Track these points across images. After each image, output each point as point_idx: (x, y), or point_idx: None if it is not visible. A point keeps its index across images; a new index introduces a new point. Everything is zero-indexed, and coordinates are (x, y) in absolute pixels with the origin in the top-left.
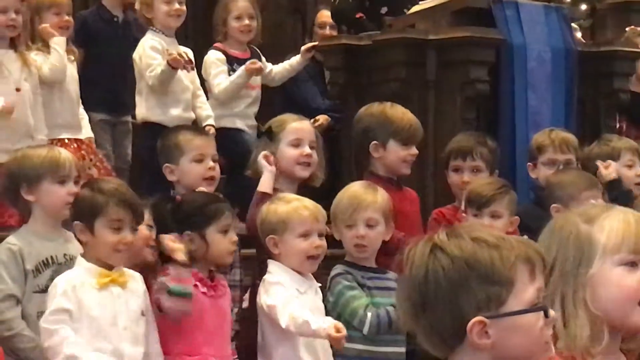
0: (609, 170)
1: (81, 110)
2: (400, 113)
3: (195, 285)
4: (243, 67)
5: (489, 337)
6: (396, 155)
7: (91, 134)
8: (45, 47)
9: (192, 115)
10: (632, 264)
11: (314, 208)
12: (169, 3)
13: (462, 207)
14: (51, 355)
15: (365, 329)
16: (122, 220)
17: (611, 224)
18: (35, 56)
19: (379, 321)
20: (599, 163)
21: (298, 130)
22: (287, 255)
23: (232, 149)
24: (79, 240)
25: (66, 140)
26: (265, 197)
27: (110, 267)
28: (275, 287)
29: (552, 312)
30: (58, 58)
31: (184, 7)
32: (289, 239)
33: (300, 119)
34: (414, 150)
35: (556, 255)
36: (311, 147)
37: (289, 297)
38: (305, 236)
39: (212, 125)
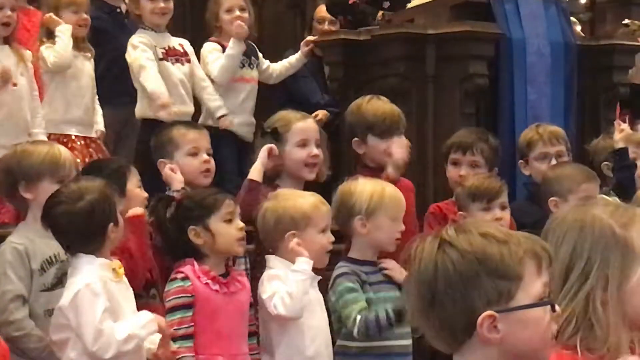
0: (619, 136)
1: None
2: (375, 107)
3: (207, 284)
4: (232, 38)
5: (498, 331)
6: (377, 149)
7: (103, 128)
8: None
9: (188, 108)
10: None
11: (326, 204)
12: (153, 1)
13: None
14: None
15: (355, 332)
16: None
17: None
18: (45, 50)
19: (367, 325)
20: (616, 124)
21: (304, 131)
22: (307, 250)
23: None
24: (101, 238)
25: (73, 137)
26: (254, 184)
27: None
28: (274, 281)
29: (557, 307)
30: (62, 45)
31: (170, 5)
32: (311, 234)
33: (304, 117)
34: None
35: (590, 256)
36: (316, 146)
37: (283, 287)
38: (324, 231)
39: (225, 115)
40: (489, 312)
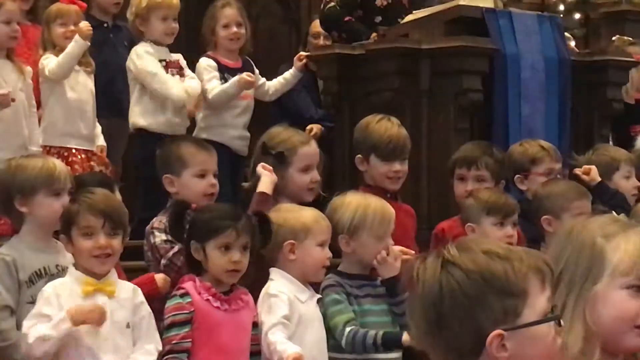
0: (591, 175)
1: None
2: (383, 128)
3: (207, 300)
4: (236, 77)
5: (506, 349)
6: (377, 170)
7: (103, 143)
8: (58, 52)
9: (181, 120)
10: (637, 289)
11: (327, 219)
12: (165, 20)
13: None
14: (29, 353)
15: (342, 343)
16: (92, 227)
17: (626, 246)
18: (44, 60)
19: (354, 341)
20: (576, 171)
21: (308, 156)
22: (303, 261)
23: None
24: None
25: (73, 150)
26: (265, 197)
27: (100, 276)
28: (272, 300)
29: (562, 322)
30: (69, 50)
31: (177, 25)
32: (309, 246)
33: (307, 140)
34: (395, 167)
35: (567, 261)
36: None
37: (282, 317)
38: (322, 245)
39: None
40: (497, 331)
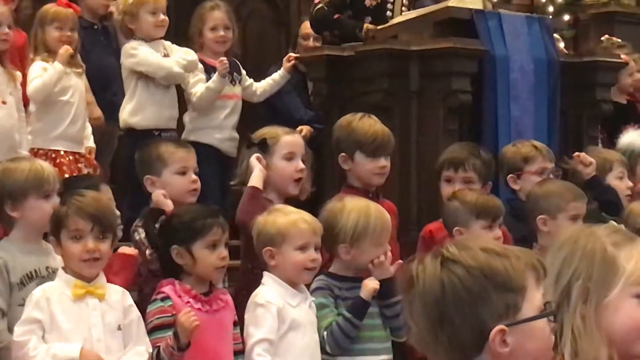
0: (589, 169)
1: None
2: (366, 125)
3: (188, 302)
4: (216, 72)
5: (507, 345)
6: (363, 167)
7: (93, 144)
8: (50, 57)
9: (170, 114)
10: None
11: (312, 221)
12: (155, 14)
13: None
14: None
15: (328, 349)
16: (81, 230)
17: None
18: (31, 74)
19: (334, 337)
20: (576, 155)
21: (292, 144)
22: (283, 267)
23: None
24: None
25: (62, 152)
26: (257, 191)
27: (89, 279)
28: (259, 311)
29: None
30: (47, 78)
31: (167, 17)
32: (287, 251)
33: (292, 132)
34: (381, 162)
35: (577, 268)
36: (302, 161)
37: (268, 332)
38: (302, 249)
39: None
40: (500, 326)
